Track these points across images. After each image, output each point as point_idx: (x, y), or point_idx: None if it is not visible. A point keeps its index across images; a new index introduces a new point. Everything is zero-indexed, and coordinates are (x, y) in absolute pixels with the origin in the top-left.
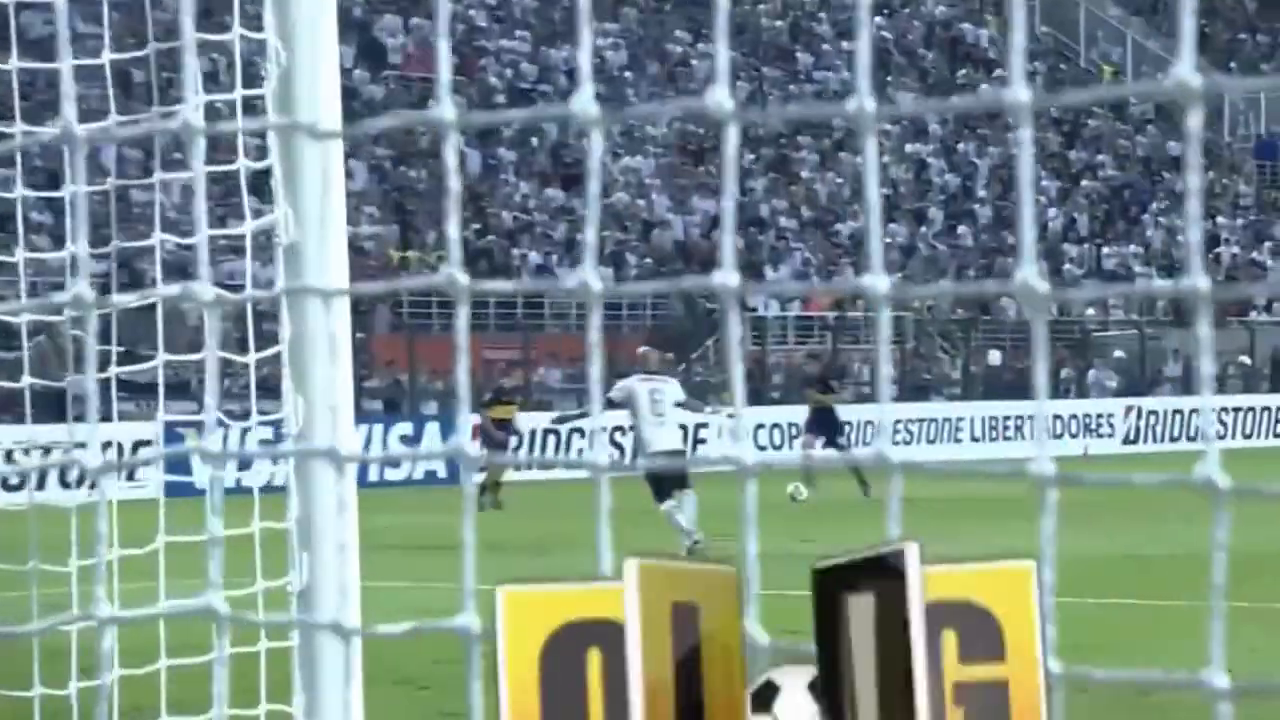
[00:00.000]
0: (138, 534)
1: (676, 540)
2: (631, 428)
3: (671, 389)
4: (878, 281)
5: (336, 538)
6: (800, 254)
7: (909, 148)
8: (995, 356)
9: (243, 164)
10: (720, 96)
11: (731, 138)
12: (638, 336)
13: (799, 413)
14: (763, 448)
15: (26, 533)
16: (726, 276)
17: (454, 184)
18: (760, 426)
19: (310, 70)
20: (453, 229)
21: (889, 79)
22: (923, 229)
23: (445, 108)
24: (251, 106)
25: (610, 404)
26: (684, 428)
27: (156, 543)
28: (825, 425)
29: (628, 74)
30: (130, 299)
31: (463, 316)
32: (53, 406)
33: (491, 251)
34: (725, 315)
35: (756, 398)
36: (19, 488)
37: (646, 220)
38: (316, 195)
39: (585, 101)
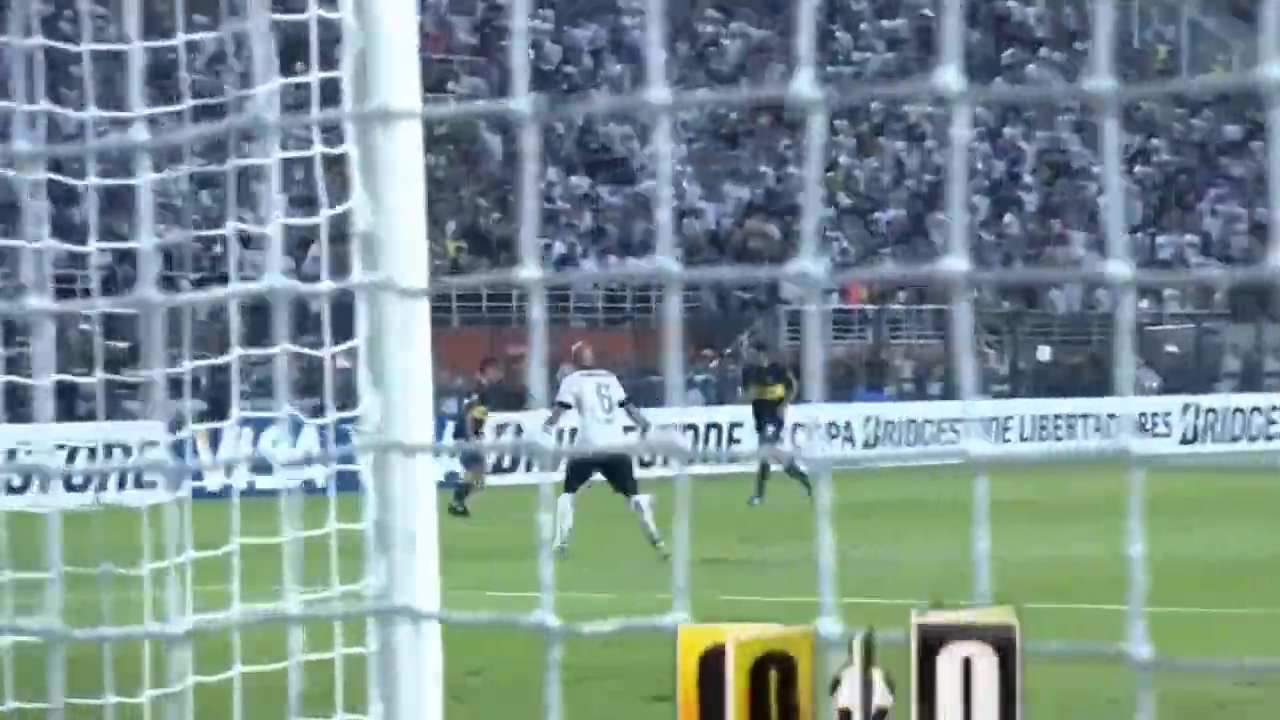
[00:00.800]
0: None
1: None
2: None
3: (615, 386)
4: (1120, 269)
5: (421, 537)
6: (838, 244)
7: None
8: (1045, 352)
9: (319, 151)
10: (949, 77)
11: (961, 117)
12: (667, 330)
13: (844, 411)
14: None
15: (90, 535)
16: (956, 263)
17: (664, 167)
18: (799, 426)
19: (389, 50)
20: (663, 215)
21: (930, 59)
22: (968, 217)
23: (657, 90)
24: (301, 91)
25: (564, 406)
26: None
27: (231, 545)
28: (768, 419)
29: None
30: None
31: (674, 306)
32: (60, 405)
33: (512, 241)
34: (954, 306)
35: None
36: (82, 488)
37: (677, 208)
38: (396, 182)
39: (804, 84)
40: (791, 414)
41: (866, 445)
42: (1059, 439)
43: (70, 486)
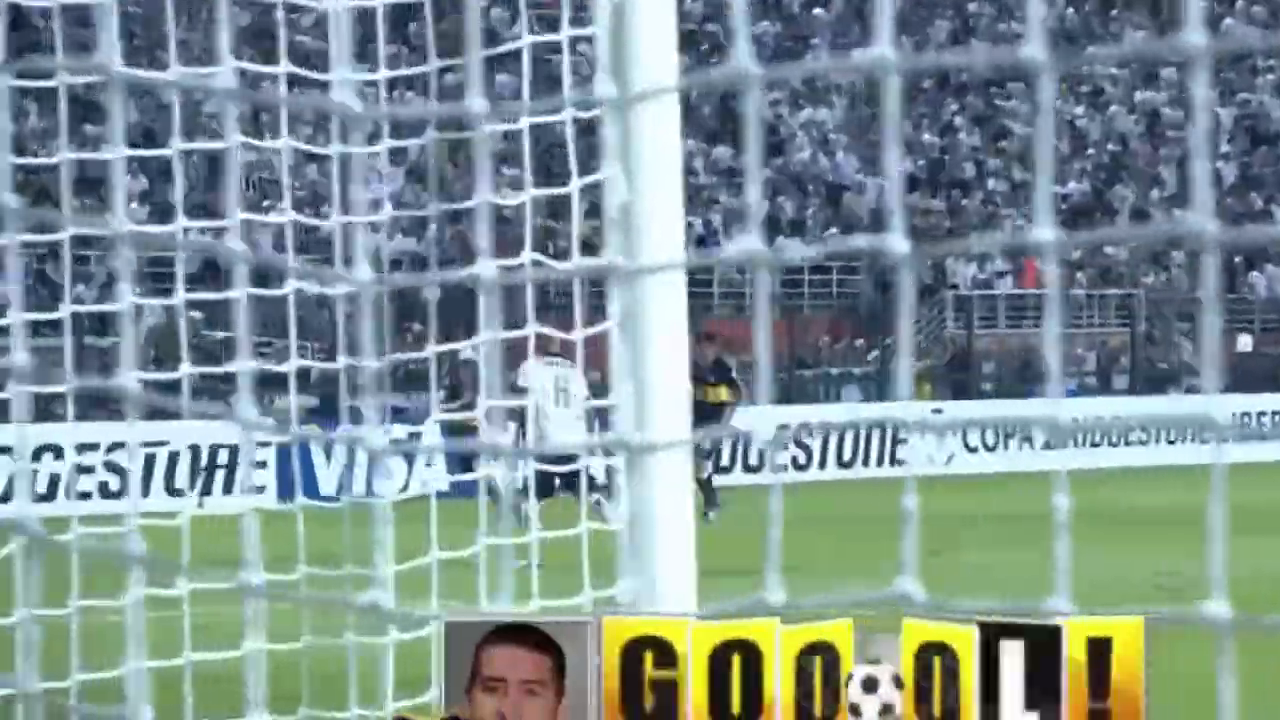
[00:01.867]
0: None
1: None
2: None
3: (577, 381)
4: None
5: (679, 539)
6: (1011, 221)
7: (1139, 95)
8: (1245, 342)
9: (569, 114)
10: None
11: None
12: (822, 317)
13: (1020, 408)
14: (973, 450)
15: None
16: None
17: (892, 129)
18: (970, 423)
19: (647, 5)
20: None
21: (1113, 13)
22: (1154, 192)
23: (886, 49)
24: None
25: (522, 393)
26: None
27: (430, 555)
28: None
29: (811, 11)
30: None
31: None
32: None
33: None
34: (1205, 287)
35: (962, 390)
36: (180, 492)
37: (832, 183)
38: (654, 155)
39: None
40: (737, 421)
41: (1046, 447)
42: (1264, 439)
43: (171, 491)
